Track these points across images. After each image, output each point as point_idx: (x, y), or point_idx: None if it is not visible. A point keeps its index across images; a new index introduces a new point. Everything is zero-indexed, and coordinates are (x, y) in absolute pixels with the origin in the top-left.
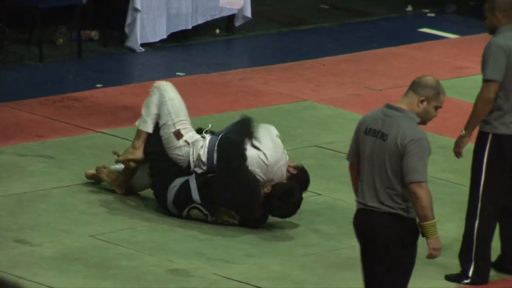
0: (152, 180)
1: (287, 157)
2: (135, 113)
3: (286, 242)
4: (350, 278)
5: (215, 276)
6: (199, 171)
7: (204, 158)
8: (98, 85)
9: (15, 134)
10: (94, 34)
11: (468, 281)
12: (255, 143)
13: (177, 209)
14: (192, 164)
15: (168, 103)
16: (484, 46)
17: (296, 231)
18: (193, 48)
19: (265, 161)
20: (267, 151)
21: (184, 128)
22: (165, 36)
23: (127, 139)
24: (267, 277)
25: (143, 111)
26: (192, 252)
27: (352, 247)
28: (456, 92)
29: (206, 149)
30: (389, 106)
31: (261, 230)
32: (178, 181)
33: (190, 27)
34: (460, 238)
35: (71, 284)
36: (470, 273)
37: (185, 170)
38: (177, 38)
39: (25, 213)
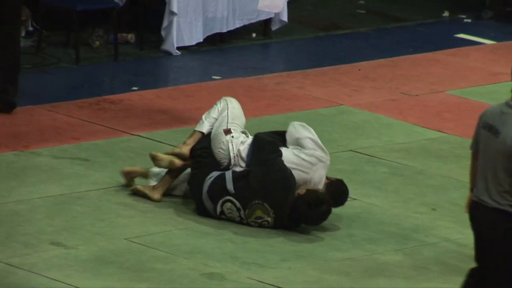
0: (191, 174)
1: (329, 160)
2: (171, 116)
3: (321, 246)
4: (385, 283)
5: (249, 280)
6: (237, 169)
7: (244, 154)
8: (134, 88)
9: (52, 136)
10: (131, 37)
11: None
12: (297, 140)
13: (211, 201)
14: (232, 160)
15: (230, 110)
16: None
17: (331, 236)
18: (229, 51)
19: (305, 158)
20: (308, 149)
21: (234, 129)
22: (201, 39)
23: (162, 142)
24: (301, 282)
25: (204, 116)
26: (227, 256)
27: (386, 252)
28: (493, 98)
29: (247, 146)
30: (507, 104)
31: (295, 235)
32: (215, 173)
33: (226, 30)
34: None
35: (106, 287)
36: None
37: (225, 167)
38: (213, 42)
39: (60, 215)
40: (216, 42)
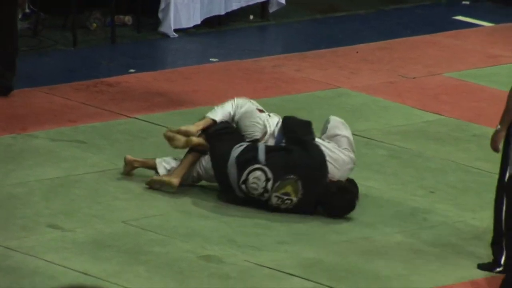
0: (212, 146)
1: (355, 163)
2: (168, 99)
3: (318, 229)
4: (383, 266)
5: (247, 263)
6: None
7: (276, 134)
8: (131, 71)
9: (49, 119)
10: (128, 19)
11: (500, 269)
12: (335, 136)
13: (238, 167)
14: (266, 136)
15: (250, 102)
16: None
17: (329, 219)
18: (226, 34)
19: (341, 156)
20: (345, 149)
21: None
22: (199, 22)
23: (160, 125)
24: (299, 264)
25: (216, 107)
26: (224, 239)
27: (385, 235)
28: (491, 80)
29: (278, 129)
30: None
31: (293, 218)
32: (245, 143)
33: (223, 12)
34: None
35: (103, 270)
36: (502, 261)
37: (254, 141)
38: (211, 24)
39: (57, 198)
40: (213, 25)
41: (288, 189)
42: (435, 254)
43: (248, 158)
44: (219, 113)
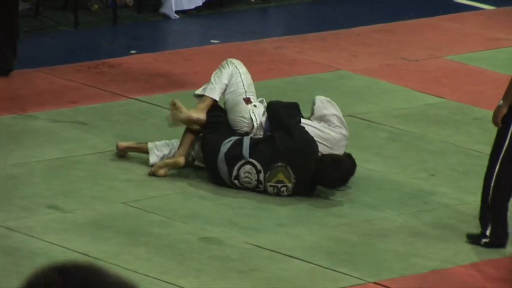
0: (203, 138)
1: (348, 139)
2: (169, 80)
3: (318, 212)
4: (383, 249)
5: (247, 245)
6: (256, 136)
7: (264, 124)
8: (132, 52)
9: (49, 100)
10: (129, 0)
11: (487, 240)
12: (324, 116)
13: (227, 163)
14: (254, 130)
15: (242, 75)
16: None
17: (329, 201)
18: (228, 16)
19: (332, 134)
20: (335, 126)
21: (253, 99)
22: (200, 3)
23: (161, 106)
24: (299, 247)
25: (213, 79)
26: (224, 221)
27: (385, 218)
28: (491, 64)
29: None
30: None
31: (293, 200)
32: (234, 138)
33: None
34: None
35: (103, 251)
36: (488, 233)
37: (243, 134)
38: (212, 6)
39: (57, 179)
40: (215, 6)
41: (280, 176)
42: (436, 236)
43: (235, 154)
44: (217, 91)
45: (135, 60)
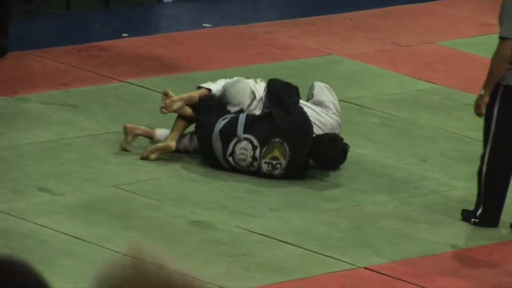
0: (198, 119)
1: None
2: (161, 64)
3: (310, 196)
4: (373, 234)
5: (237, 229)
6: (254, 112)
7: (264, 99)
8: (124, 35)
9: (41, 82)
10: None
11: (476, 220)
12: (321, 102)
13: (222, 140)
14: (254, 102)
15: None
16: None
17: (320, 186)
18: (220, 0)
19: (329, 120)
20: (333, 113)
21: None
22: None
23: (152, 90)
24: (289, 231)
25: (209, 82)
26: (215, 205)
27: (376, 202)
28: (483, 49)
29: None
30: None
31: (284, 184)
32: (229, 115)
33: None
34: None
35: (94, 234)
36: (478, 214)
37: (239, 111)
38: None
39: (48, 161)
40: None
41: (276, 153)
42: (426, 222)
43: (231, 131)
44: (213, 85)
45: (127, 44)
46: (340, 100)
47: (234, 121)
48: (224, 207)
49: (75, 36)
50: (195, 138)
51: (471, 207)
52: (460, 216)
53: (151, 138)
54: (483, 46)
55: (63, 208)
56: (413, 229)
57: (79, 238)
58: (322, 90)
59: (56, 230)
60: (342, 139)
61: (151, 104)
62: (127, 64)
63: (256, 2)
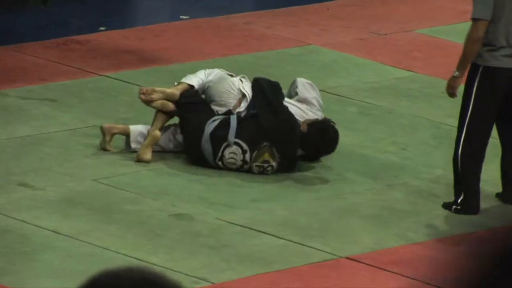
0: (183, 118)
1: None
2: (138, 57)
3: (290, 187)
4: (355, 223)
5: (218, 221)
6: (241, 112)
7: (249, 99)
8: (102, 28)
9: (19, 77)
10: None
11: (458, 207)
12: (305, 99)
13: (212, 144)
14: (246, 98)
15: (217, 68)
16: None
17: (300, 176)
18: None
19: (313, 116)
20: (317, 109)
21: (234, 74)
22: None
23: (130, 83)
24: (270, 222)
25: (189, 74)
26: (195, 197)
27: (356, 192)
28: (462, 36)
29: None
30: None
31: (265, 176)
32: (219, 117)
33: None
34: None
35: (74, 228)
36: (459, 201)
37: (226, 112)
38: None
39: (28, 156)
40: None
41: (266, 156)
42: (407, 210)
43: (221, 135)
44: (194, 79)
45: (104, 37)
46: (318, 90)
47: (224, 124)
48: (204, 199)
49: (52, 30)
50: (176, 138)
51: (452, 195)
52: (441, 204)
53: (127, 134)
54: (462, 33)
55: (43, 202)
56: (394, 218)
57: (59, 233)
58: (305, 87)
59: (36, 225)
60: (332, 126)
61: (129, 97)
62: (104, 58)
63: None
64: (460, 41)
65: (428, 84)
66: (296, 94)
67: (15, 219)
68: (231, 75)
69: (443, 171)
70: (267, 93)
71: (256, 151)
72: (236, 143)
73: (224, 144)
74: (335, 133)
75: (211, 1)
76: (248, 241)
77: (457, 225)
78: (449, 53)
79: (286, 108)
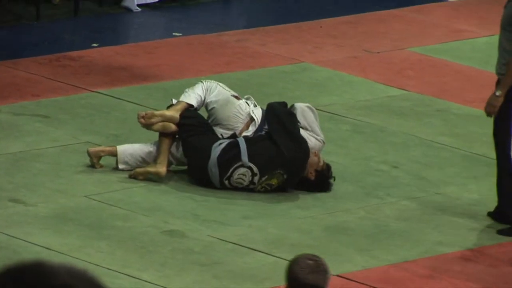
0: (186, 138)
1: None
2: (131, 73)
3: (282, 204)
4: (346, 241)
5: (210, 238)
6: (248, 134)
7: (259, 119)
8: (94, 45)
9: (11, 93)
10: None
11: None
12: (309, 124)
13: (219, 167)
14: (250, 125)
15: (219, 84)
16: (485, 8)
17: (292, 194)
18: (190, 8)
19: (316, 143)
20: (318, 134)
21: (239, 95)
22: None
23: (122, 99)
24: (262, 240)
25: (186, 90)
26: (187, 214)
27: (348, 210)
28: (455, 55)
29: (259, 111)
30: None
31: (257, 193)
32: (225, 140)
33: None
34: (459, 201)
35: (65, 244)
36: None
37: (232, 136)
38: None
39: (20, 172)
40: None
41: (274, 181)
42: (399, 229)
43: (230, 157)
44: (192, 97)
45: (97, 53)
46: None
47: (231, 147)
48: (196, 216)
49: (45, 46)
50: (175, 155)
51: (444, 214)
52: (433, 223)
53: (115, 155)
54: (454, 52)
55: (35, 218)
56: (385, 236)
57: (50, 249)
58: (305, 114)
59: (27, 241)
60: (327, 168)
61: (121, 113)
62: (97, 74)
63: (226, 10)
64: (453, 59)
65: (420, 102)
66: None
67: (7, 235)
68: (236, 97)
69: (435, 189)
70: (286, 123)
71: (266, 176)
72: (247, 166)
73: (236, 165)
74: (328, 183)
75: (204, 18)
76: (240, 259)
77: (449, 244)
78: (441, 72)
79: (304, 138)
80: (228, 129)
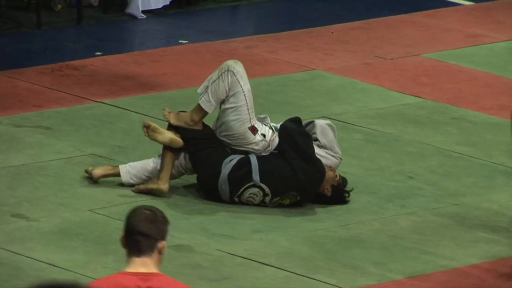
0: (194, 153)
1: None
2: (137, 82)
3: (294, 217)
4: (359, 254)
5: (219, 252)
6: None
7: (275, 145)
8: (98, 53)
9: (13, 104)
10: (94, 0)
11: None
12: (328, 143)
13: (230, 184)
14: (271, 148)
15: (246, 94)
16: (503, 12)
17: (304, 206)
18: (196, 15)
19: (334, 161)
20: (336, 152)
21: (257, 125)
22: (167, 2)
23: (127, 109)
24: (274, 253)
25: (211, 89)
26: (195, 227)
27: (362, 222)
28: (471, 61)
29: (275, 137)
30: None
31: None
32: (236, 156)
33: None
34: (477, 212)
35: (70, 260)
36: None
37: (243, 151)
38: (180, 4)
39: (22, 186)
40: (183, 5)
41: (287, 201)
42: (414, 241)
43: (241, 174)
44: (213, 104)
45: (101, 62)
46: (323, 117)
47: (242, 163)
48: (204, 230)
49: (47, 55)
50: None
51: (461, 225)
52: (450, 235)
53: (118, 175)
54: (470, 57)
55: (38, 234)
56: (401, 249)
57: (54, 265)
58: (326, 132)
59: (30, 257)
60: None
61: (126, 124)
62: (101, 84)
63: (233, 16)
64: (469, 65)
65: (436, 110)
66: (316, 139)
67: (9, 251)
68: (252, 129)
69: (452, 199)
70: (301, 145)
71: (279, 197)
72: (259, 186)
73: (247, 185)
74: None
75: (211, 25)
76: (250, 273)
77: (466, 257)
78: (457, 78)
79: (320, 160)
80: (242, 152)
